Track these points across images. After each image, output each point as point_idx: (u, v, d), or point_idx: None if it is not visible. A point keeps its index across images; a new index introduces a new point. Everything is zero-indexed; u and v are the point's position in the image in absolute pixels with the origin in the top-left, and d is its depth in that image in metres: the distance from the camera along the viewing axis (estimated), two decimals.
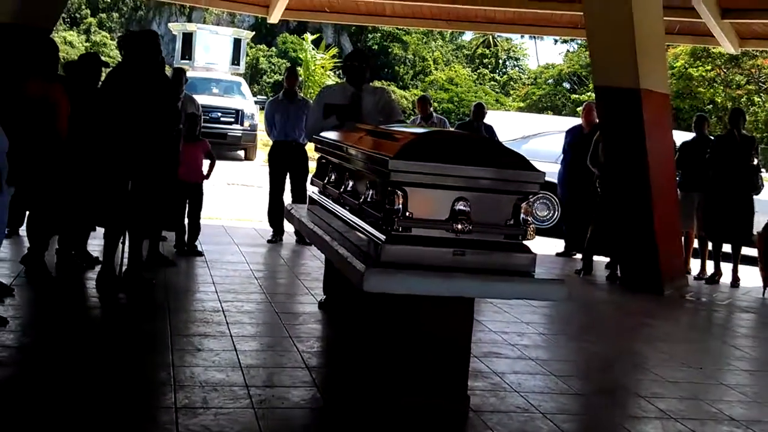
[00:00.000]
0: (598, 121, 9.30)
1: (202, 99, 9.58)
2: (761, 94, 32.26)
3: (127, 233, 6.13)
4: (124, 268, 6.16)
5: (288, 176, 8.77)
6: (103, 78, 6.48)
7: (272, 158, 8.96)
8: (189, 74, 23.30)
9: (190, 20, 40.14)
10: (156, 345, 4.85)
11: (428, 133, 4.69)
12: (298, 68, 35.90)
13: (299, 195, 8.46)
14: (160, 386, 4.13)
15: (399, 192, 3.88)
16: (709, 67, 31.72)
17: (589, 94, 33.92)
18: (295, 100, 8.93)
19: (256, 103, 22.00)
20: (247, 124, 19.82)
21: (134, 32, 6.40)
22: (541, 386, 4.74)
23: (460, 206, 3.94)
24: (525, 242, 4.07)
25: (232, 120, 19.23)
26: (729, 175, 8.58)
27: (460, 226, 3.92)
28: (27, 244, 6.44)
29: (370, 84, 6.18)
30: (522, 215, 4.02)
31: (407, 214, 3.89)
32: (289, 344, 5.05)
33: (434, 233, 3.94)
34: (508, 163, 4.06)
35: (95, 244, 6.87)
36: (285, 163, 8.73)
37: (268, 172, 9.04)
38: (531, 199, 4.11)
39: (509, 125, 13.12)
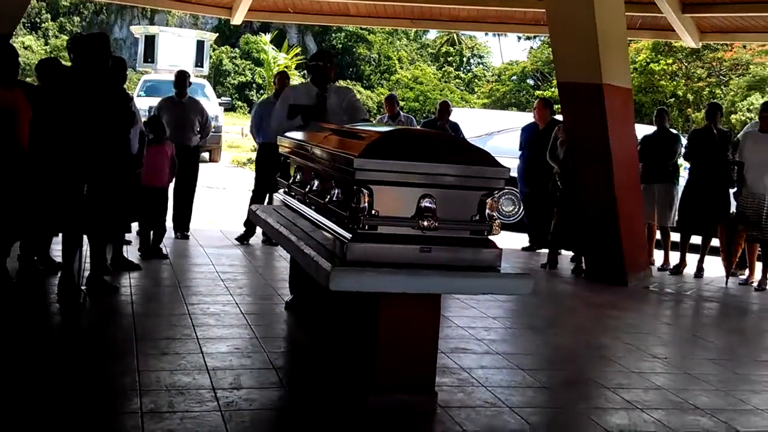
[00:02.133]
0: (553, 117, 9.44)
1: None
2: (722, 87, 32.69)
3: (86, 238, 6.07)
4: (86, 272, 6.09)
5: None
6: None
7: (260, 161, 8.87)
8: (151, 77, 23.10)
9: (152, 23, 39.81)
10: (120, 350, 4.79)
11: (393, 131, 4.69)
12: (260, 69, 35.78)
13: None
14: (126, 391, 4.09)
15: (364, 190, 3.89)
16: (670, 61, 32.10)
17: (552, 90, 34.17)
18: None
19: (220, 105, 21.89)
20: (211, 125, 19.69)
21: (83, 35, 6.32)
22: (508, 380, 4.77)
23: (425, 203, 3.96)
24: (490, 237, 4.10)
25: (210, 122, 19.09)
26: (705, 169, 8.69)
27: (426, 223, 3.94)
28: None
29: (335, 84, 6.17)
30: (487, 211, 4.06)
31: (373, 212, 3.91)
32: (256, 345, 5.02)
33: (400, 230, 3.96)
34: (473, 160, 4.08)
35: (58, 250, 6.78)
36: (272, 165, 8.67)
37: (248, 174, 9.00)
38: (496, 195, 4.13)
39: (474, 122, 13.18)
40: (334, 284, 3.81)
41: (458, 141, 4.58)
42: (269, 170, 8.66)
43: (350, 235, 3.93)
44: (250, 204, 8.68)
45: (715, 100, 27.29)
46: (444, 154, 4.07)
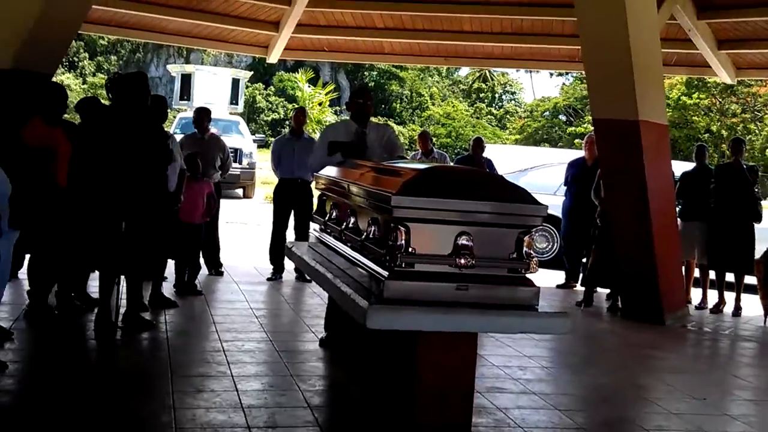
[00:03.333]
0: None
1: None
2: (757, 122, 32.42)
3: (123, 275, 6.12)
4: (123, 309, 6.13)
5: (292, 214, 8.78)
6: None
7: (277, 195, 8.98)
8: (187, 114, 23.39)
9: (188, 62, 40.40)
10: (156, 387, 4.81)
11: (430, 168, 4.68)
12: (293, 105, 36.12)
13: (302, 232, 8.46)
14: (162, 429, 4.09)
15: (402, 228, 3.87)
16: (703, 96, 31.93)
17: (585, 126, 34.10)
18: (301, 138, 8.98)
19: (254, 141, 22.11)
20: (245, 162, 19.91)
21: (121, 74, 6.42)
22: (545, 421, 4.69)
23: (462, 241, 3.93)
24: (528, 275, 4.06)
25: (231, 158, 19.31)
26: (731, 204, 8.60)
27: (463, 261, 3.91)
28: (27, 287, 6.43)
29: (373, 120, 6.20)
30: (524, 248, 4.02)
31: (410, 249, 3.88)
32: (291, 383, 5.01)
33: (437, 268, 3.93)
34: (510, 197, 4.06)
35: (95, 285, 6.84)
36: (290, 200, 8.75)
37: (271, 209, 9.04)
38: (533, 233, 4.10)
39: (507, 158, 13.16)
40: (371, 322, 3.78)
41: (495, 178, 4.57)
42: (288, 205, 8.73)
43: (387, 273, 3.91)
44: (272, 240, 8.74)
45: (748, 136, 27.07)
46: (481, 192, 4.05)
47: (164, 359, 5.40)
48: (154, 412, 4.34)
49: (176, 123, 20.62)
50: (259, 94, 41.85)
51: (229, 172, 18.98)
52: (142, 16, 12.04)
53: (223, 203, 9.62)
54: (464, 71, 49.41)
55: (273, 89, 43.07)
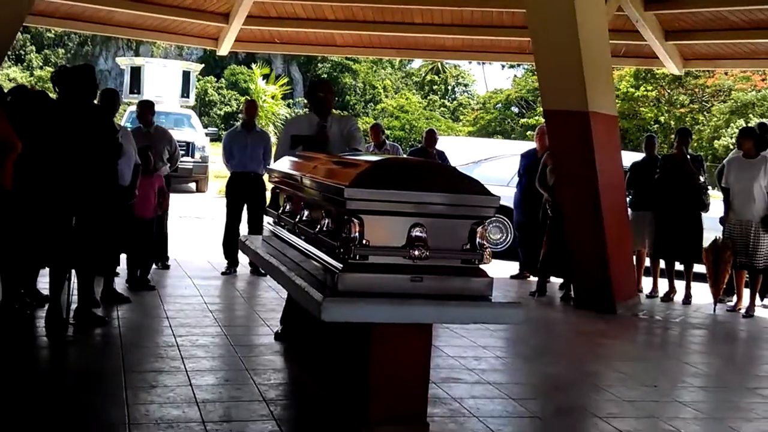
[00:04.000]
0: None
1: None
2: (704, 113, 33.02)
3: (74, 271, 6.02)
4: (74, 305, 6.04)
5: (245, 207, 8.72)
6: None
7: (230, 189, 8.93)
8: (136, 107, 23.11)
9: (137, 54, 39.89)
10: (109, 383, 4.74)
11: (383, 160, 4.68)
12: (248, 97, 35.86)
13: (256, 226, 8.43)
14: (114, 426, 4.04)
15: (355, 220, 3.87)
16: (651, 88, 32.43)
17: (537, 117, 34.40)
18: (253, 131, 8.93)
19: (206, 135, 21.91)
20: (198, 156, 19.74)
21: (68, 67, 6.31)
22: (499, 410, 4.74)
23: (416, 232, 3.93)
24: (481, 266, 4.08)
25: (183, 152, 19.03)
26: (677, 194, 8.75)
27: (417, 252, 3.91)
28: None
29: (336, 113, 6.19)
30: (478, 239, 4.04)
31: (364, 241, 3.88)
32: (246, 377, 4.98)
33: (391, 260, 3.93)
34: (463, 188, 4.07)
35: (45, 282, 6.73)
36: (243, 194, 8.70)
37: (225, 203, 8.96)
38: (486, 224, 4.13)
39: (460, 150, 13.20)
40: (325, 315, 3.78)
41: (448, 169, 4.58)
42: (240, 199, 8.69)
43: (341, 265, 3.91)
44: (225, 234, 8.69)
45: (696, 126, 27.58)
46: (434, 183, 4.05)
47: (117, 355, 5.33)
48: (106, 408, 4.29)
49: (126, 116, 20.34)
50: (211, 87, 41.52)
51: (182, 166, 18.84)
52: (88, 7, 11.84)
53: (176, 197, 9.57)
54: (417, 63, 49.56)
55: (225, 82, 42.74)
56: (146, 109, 8.55)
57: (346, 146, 5.78)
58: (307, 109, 6.42)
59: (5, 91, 6.50)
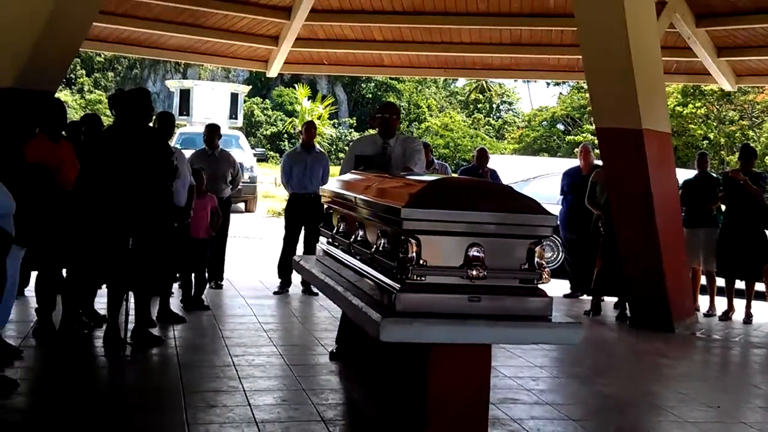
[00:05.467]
0: (595, 161, 9.38)
1: None
2: (755, 129, 32.50)
3: (131, 291, 6.10)
4: (131, 325, 6.11)
5: (303, 228, 8.78)
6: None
7: (289, 210, 8.99)
8: (186, 130, 23.50)
9: (185, 77, 40.51)
10: (168, 403, 4.79)
11: (438, 180, 4.68)
12: (295, 119, 36.18)
13: (312, 246, 8.45)
14: None
15: (412, 240, 3.86)
16: (699, 104, 32.06)
17: (583, 135, 34.17)
18: (312, 152, 8.98)
19: (254, 155, 22.12)
20: (246, 176, 19.91)
21: (124, 90, 6.43)
22: (559, 431, 4.67)
23: (473, 252, 3.91)
24: (540, 286, 4.05)
25: (241, 173, 19.34)
26: (741, 212, 8.60)
27: (474, 272, 3.89)
28: (34, 304, 6.41)
29: (402, 134, 6.25)
30: (536, 259, 4.00)
31: (421, 261, 3.86)
32: (304, 397, 4.99)
33: (449, 280, 3.91)
34: (520, 207, 4.05)
35: (103, 302, 6.82)
36: (301, 214, 8.74)
37: (281, 224, 9.02)
38: (544, 243, 4.09)
39: (508, 168, 13.16)
40: (384, 335, 3.76)
41: (504, 188, 4.56)
42: (299, 220, 8.73)
43: (399, 285, 3.89)
44: (282, 254, 8.73)
45: (748, 142, 27.19)
46: (491, 202, 4.03)
47: (175, 375, 5.38)
48: (166, 429, 4.32)
49: (176, 139, 20.63)
50: (257, 108, 41.91)
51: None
52: (141, 32, 12.06)
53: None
54: (461, 82, 49.50)
55: (270, 103, 43.14)
56: (213, 132, 8.68)
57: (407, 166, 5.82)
58: (353, 130, 6.47)
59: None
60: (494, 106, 49.34)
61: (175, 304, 7.34)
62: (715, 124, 32.43)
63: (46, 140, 6.18)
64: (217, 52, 13.24)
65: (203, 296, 7.77)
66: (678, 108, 31.28)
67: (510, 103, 50.51)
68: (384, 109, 6.24)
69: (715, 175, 9.71)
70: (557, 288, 9.80)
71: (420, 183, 4.38)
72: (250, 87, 34.50)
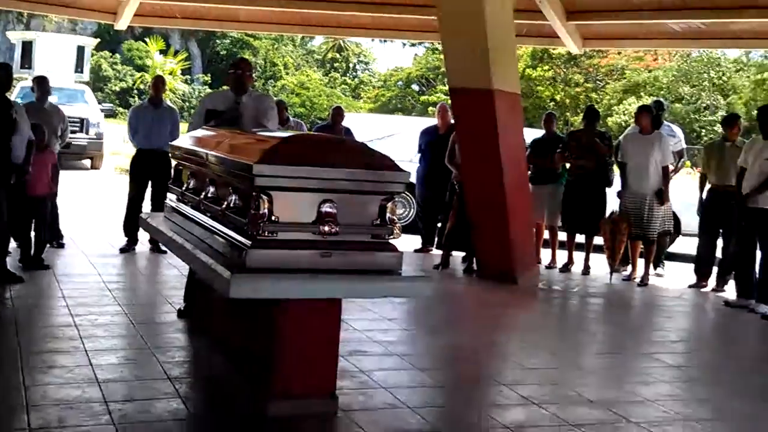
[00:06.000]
0: (451, 121, 9.53)
1: None
2: (598, 92, 33.98)
3: None
4: None
5: (150, 184, 8.51)
6: None
7: (134, 166, 8.70)
8: (28, 83, 22.31)
9: (28, 28, 38.33)
10: (3, 365, 4.56)
11: (291, 136, 4.64)
12: (146, 74, 34.97)
13: (160, 204, 8.19)
14: (12, 408, 3.89)
15: (264, 196, 3.81)
16: (547, 67, 33.17)
17: (437, 95, 34.75)
18: (160, 107, 8.70)
19: (101, 110, 21.27)
20: (92, 132, 19.17)
21: None
22: (406, 381, 4.79)
23: (326, 208, 3.92)
24: (391, 241, 4.09)
25: (77, 128, 18.47)
26: (586, 169, 8.99)
27: (327, 228, 3.91)
28: None
29: (256, 91, 6.12)
30: (388, 215, 4.06)
31: (273, 218, 3.83)
32: (149, 356, 4.87)
33: (301, 236, 3.91)
34: (374, 164, 4.08)
35: None
36: (148, 171, 8.46)
37: (126, 180, 8.71)
38: (396, 199, 4.14)
39: (363, 127, 13.19)
40: (234, 292, 3.73)
41: (358, 145, 4.56)
42: (145, 176, 8.48)
43: (250, 242, 3.85)
44: (127, 211, 8.47)
45: (592, 104, 28.44)
46: (344, 159, 4.05)
47: (11, 336, 5.12)
48: (2, 391, 4.13)
49: (17, 92, 19.53)
50: (106, 62, 40.20)
51: (76, 143, 18.28)
52: None
53: (70, 175, 9.25)
54: (318, 41, 49.20)
55: (120, 57, 41.49)
56: (44, 84, 8.26)
57: (259, 123, 5.73)
58: (207, 86, 6.33)
59: None
60: (351, 65, 49.34)
61: (12, 263, 6.98)
62: (561, 86, 33.68)
63: None
64: (62, 2, 12.51)
65: (43, 255, 7.43)
66: (528, 71, 32.27)
67: (366, 63, 50.63)
68: (236, 65, 6.11)
69: (560, 134, 10.08)
70: (409, 243, 9.98)
71: (273, 139, 4.34)
72: (99, 40, 32.96)
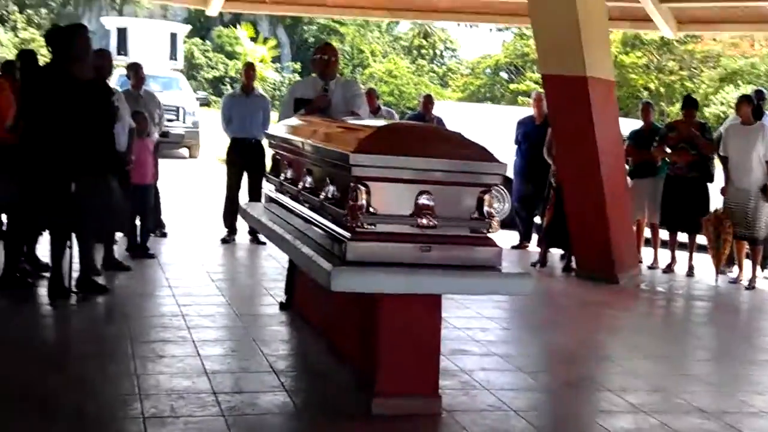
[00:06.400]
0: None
1: None
2: (694, 80, 32.94)
3: (74, 237, 5.92)
4: (76, 274, 5.95)
5: (246, 174, 8.60)
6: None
7: (230, 155, 8.77)
8: (124, 70, 22.91)
9: (121, 14, 39.29)
10: (117, 353, 4.69)
11: (387, 125, 4.61)
12: (237, 62, 35.46)
13: (256, 193, 8.30)
14: (125, 396, 3.99)
15: (362, 187, 3.79)
16: (640, 54, 32.29)
17: (527, 83, 34.24)
18: (252, 95, 8.77)
19: (197, 99, 21.56)
20: (189, 121, 19.39)
21: (60, 27, 6.14)
22: (510, 383, 4.72)
23: (423, 200, 3.86)
24: (490, 235, 4.00)
25: (174, 117, 18.77)
26: (686, 162, 8.61)
27: (424, 221, 3.85)
28: None
29: (342, 76, 6.07)
30: (485, 208, 3.96)
31: (371, 209, 3.80)
32: (254, 348, 4.93)
33: (399, 228, 3.86)
34: (470, 155, 3.99)
35: (45, 250, 6.63)
36: (243, 160, 8.55)
37: (223, 170, 8.82)
38: (493, 191, 4.06)
39: (453, 116, 13.08)
40: (335, 285, 3.73)
41: (454, 135, 4.50)
42: (241, 165, 8.56)
43: (349, 234, 3.83)
44: (226, 201, 8.57)
45: (690, 93, 27.62)
46: (441, 149, 3.97)
47: (122, 324, 5.27)
48: (116, 380, 4.24)
49: (115, 79, 20.05)
50: (198, 49, 40.92)
51: (173, 131, 18.60)
52: None
53: (169, 163, 9.44)
54: (404, 27, 48.98)
55: (211, 45, 42.18)
56: (138, 71, 8.40)
57: (348, 110, 5.69)
58: (297, 74, 6.32)
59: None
60: (438, 52, 49.04)
61: (120, 252, 7.16)
62: (655, 74, 32.76)
63: None
64: None
65: (147, 244, 7.60)
66: (621, 57, 31.47)
67: (453, 50, 50.25)
68: (322, 50, 6.02)
69: (658, 125, 9.70)
70: (505, 239, 9.83)
71: (368, 128, 4.30)
72: (190, 27, 33.60)
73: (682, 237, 8.85)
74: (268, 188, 5.65)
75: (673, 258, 8.86)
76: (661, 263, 8.95)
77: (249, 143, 8.47)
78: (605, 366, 5.25)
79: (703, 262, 8.69)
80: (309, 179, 4.68)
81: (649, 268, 8.94)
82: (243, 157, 8.53)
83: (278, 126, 5.65)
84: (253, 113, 8.55)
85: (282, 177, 5.23)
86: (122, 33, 25.67)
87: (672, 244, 8.88)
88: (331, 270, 3.75)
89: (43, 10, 43.50)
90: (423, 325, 4.07)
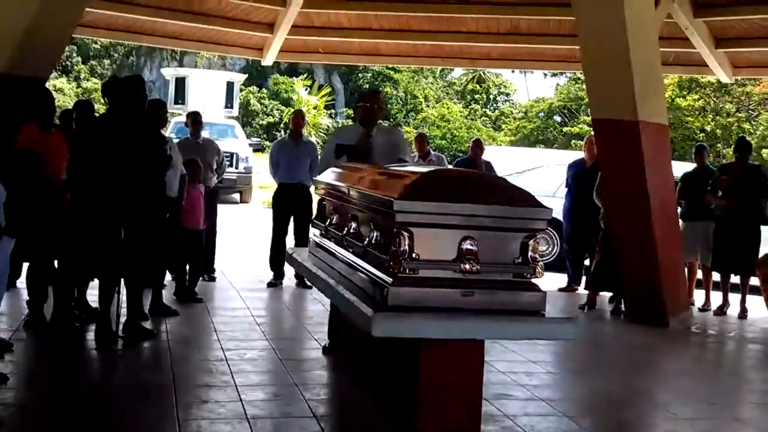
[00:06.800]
0: None
1: None
2: (751, 121, 32.45)
3: (123, 283, 6.03)
4: (123, 318, 6.05)
5: (292, 219, 8.69)
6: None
7: (276, 200, 8.88)
8: (182, 119, 23.42)
9: (182, 65, 40.29)
10: (159, 397, 4.73)
11: (431, 171, 4.62)
12: (292, 108, 36.00)
13: (302, 238, 8.37)
14: None
15: (405, 233, 3.80)
16: (696, 97, 31.96)
17: (580, 126, 34.11)
18: (300, 141, 8.89)
19: (249, 145, 21.99)
20: (242, 166, 19.79)
21: (118, 78, 6.33)
22: (554, 428, 4.63)
23: (467, 245, 3.86)
24: (534, 280, 3.98)
25: (228, 163, 19.19)
26: (739, 205, 8.50)
27: (467, 266, 3.84)
28: (25, 296, 6.35)
29: (384, 124, 6.14)
30: (530, 253, 3.95)
31: (414, 255, 3.81)
32: (296, 392, 4.93)
33: (442, 274, 3.86)
34: (515, 200, 3.99)
35: (94, 294, 6.75)
36: (289, 205, 8.64)
37: (270, 214, 8.93)
38: (538, 236, 4.04)
39: (504, 160, 13.10)
40: (376, 330, 3.71)
41: (498, 180, 4.49)
42: (287, 210, 8.64)
43: (391, 279, 3.84)
44: (272, 246, 8.65)
45: (744, 135, 27.21)
46: (485, 195, 3.97)
47: (167, 369, 5.32)
48: (158, 424, 4.27)
49: (172, 127, 20.53)
50: (254, 96, 41.71)
51: (226, 177, 18.92)
52: (135, 19, 11.94)
53: (221, 209, 9.58)
54: (458, 73, 49.31)
55: (267, 92, 42.95)
56: (196, 120, 8.60)
57: (392, 157, 5.72)
58: (350, 120, 6.42)
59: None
60: (491, 96, 49.19)
61: (167, 296, 7.27)
62: (711, 116, 32.37)
63: (36, 129, 6.12)
64: (212, 39, 13.13)
65: (196, 288, 7.70)
66: (678, 100, 31.19)
67: (507, 94, 50.34)
68: (366, 97, 6.11)
69: (712, 167, 9.60)
70: (553, 282, 9.75)
71: (413, 174, 4.32)
72: (246, 76, 34.30)
73: (735, 279, 8.69)
74: (313, 233, 5.70)
75: (726, 300, 8.69)
76: (713, 306, 8.78)
77: (296, 188, 8.56)
78: (653, 411, 5.12)
79: (756, 304, 8.48)
80: (354, 225, 4.71)
81: (701, 310, 8.80)
82: (290, 202, 8.62)
83: (325, 172, 5.70)
84: (301, 159, 8.65)
85: (327, 222, 5.27)
86: (180, 82, 26.29)
87: (724, 286, 8.73)
88: (372, 315, 3.75)
89: (106, 61, 44.86)
90: (465, 370, 4.03)
